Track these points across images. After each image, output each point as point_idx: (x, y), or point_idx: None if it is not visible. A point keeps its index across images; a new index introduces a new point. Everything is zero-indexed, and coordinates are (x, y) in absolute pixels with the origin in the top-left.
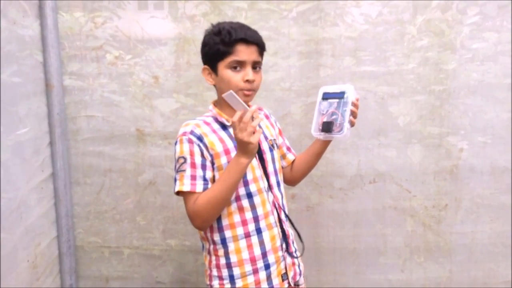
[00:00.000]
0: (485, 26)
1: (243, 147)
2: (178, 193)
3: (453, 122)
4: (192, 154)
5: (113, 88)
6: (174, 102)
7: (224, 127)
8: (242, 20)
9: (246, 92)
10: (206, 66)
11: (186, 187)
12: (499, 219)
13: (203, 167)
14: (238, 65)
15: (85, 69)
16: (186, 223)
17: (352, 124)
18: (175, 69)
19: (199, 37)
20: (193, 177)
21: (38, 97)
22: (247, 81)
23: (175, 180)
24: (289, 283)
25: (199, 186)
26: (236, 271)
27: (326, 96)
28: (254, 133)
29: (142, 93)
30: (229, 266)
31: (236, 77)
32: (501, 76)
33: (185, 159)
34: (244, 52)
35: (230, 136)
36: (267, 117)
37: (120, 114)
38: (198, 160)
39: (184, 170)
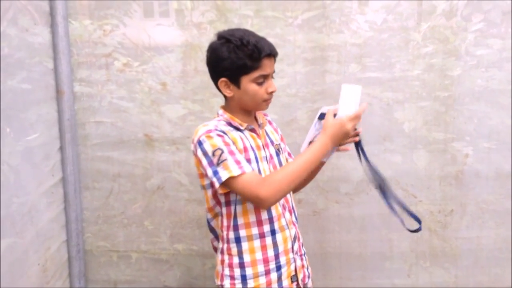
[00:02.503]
0: (490, 33)
1: (342, 135)
2: (224, 184)
3: (458, 128)
4: (227, 144)
5: (121, 94)
6: (182, 108)
7: (238, 129)
8: (248, 27)
9: (269, 102)
10: (224, 79)
11: (236, 171)
12: (504, 224)
13: (241, 152)
14: (263, 79)
15: (94, 75)
16: (194, 228)
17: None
18: (182, 75)
19: (206, 44)
20: (238, 162)
21: (48, 103)
22: (271, 92)
23: (216, 173)
24: (298, 285)
25: (247, 167)
26: (249, 271)
27: (322, 117)
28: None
29: (150, 99)
30: (242, 266)
31: (262, 90)
32: (505, 82)
33: (222, 150)
34: (268, 66)
35: (246, 137)
36: (270, 122)
37: (128, 120)
38: (234, 148)
39: (226, 159)
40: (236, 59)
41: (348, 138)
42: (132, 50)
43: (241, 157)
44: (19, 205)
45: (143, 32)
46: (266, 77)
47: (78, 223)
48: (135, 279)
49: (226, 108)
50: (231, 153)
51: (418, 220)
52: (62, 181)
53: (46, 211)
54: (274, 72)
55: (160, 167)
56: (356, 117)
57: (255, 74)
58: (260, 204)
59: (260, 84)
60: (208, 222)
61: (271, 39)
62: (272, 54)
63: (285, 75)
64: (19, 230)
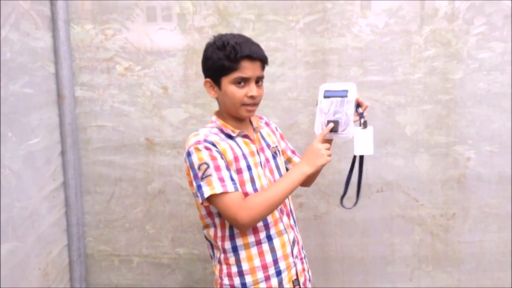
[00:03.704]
0: (492, 36)
1: (313, 157)
2: (208, 199)
3: (460, 131)
4: (213, 158)
5: (123, 98)
6: (183, 112)
7: (230, 137)
8: (249, 31)
9: (249, 108)
10: (208, 79)
11: (218, 189)
12: (507, 228)
13: (227, 168)
14: (242, 81)
15: (95, 80)
16: (195, 232)
17: (364, 119)
18: (184, 80)
19: None
20: (221, 179)
21: (49, 108)
22: (251, 97)
23: (200, 187)
24: None
25: (230, 186)
26: (248, 279)
27: (328, 94)
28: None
29: (151, 104)
30: (241, 274)
31: (240, 93)
32: (507, 85)
33: (208, 164)
34: (248, 69)
35: (237, 144)
36: (267, 124)
37: (130, 124)
38: (221, 162)
39: (210, 175)
40: (217, 59)
41: (323, 158)
42: (134, 54)
43: (226, 174)
44: (20, 209)
45: (145, 37)
46: (246, 80)
47: (79, 227)
48: (136, 283)
49: (219, 114)
50: (217, 168)
51: (356, 200)
52: (63, 185)
53: (47, 215)
54: (260, 77)
55: (161, 171)
56: (322, 136)
57: (234, 75)
58: (237, 228)
59: (240, 86)
60: (202, 230)
61: (272, 43)
62: (253, 57)
63: (286, 79)
64: (20, 235)
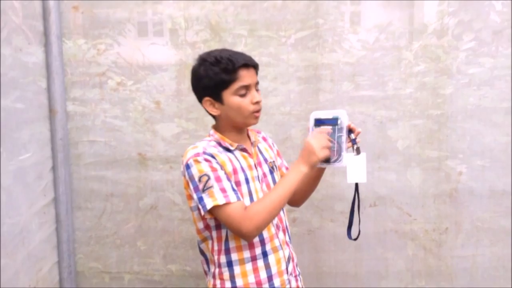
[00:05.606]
0: (481, 51)
1: (307, 154)
2: (209, 211)
3: (452, 146)
4: (214, 169)
5: (115, 113)
6: (175, 126)
7: (228, 150)
8: (241, 47)
9: (257, 114)
10: (208, 98)
11: (221, 200)
12: (499, 243)
13: (228, 179)
14: (244, 90)
15: (87, 95)
16: (187, 248)
17: (357, 145)
18: (176, 94)
19: None
20: (223, 190)
21: (41, 123)
22: (256, 102)
23: (201, 199)
24: None
25: (232, 197)
26: None
27: (319, 123)
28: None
29: (143, 118)
30: None
31: (245, 102)
32: (497, 100)
33: (208, 176)
34: (247, 76)
35: (236, 157)
36: (264, 139)
37: (122, 139)
38: (221, 174)
39: (211, 186)
40: (213, 75)
41: (316, 154)
42: (126, 69)
43: (227, 184)
44: (10, 226)
45: (137, 51)
46: (247, 88)
47: (70, 243)
48: None
49: (216, 127)
50: (218, 179)
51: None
52: (54, 201)
53: (38, 231)
54: (257, 83)
55: (153, 186)
56: (316, 131)
57: (235, 86)
58: (243, 238)
59: (242, 95)
60: (198, 245)
61: (265, 58)
62: (249, 64)
63: (279, 94)
64: (10, 251)
